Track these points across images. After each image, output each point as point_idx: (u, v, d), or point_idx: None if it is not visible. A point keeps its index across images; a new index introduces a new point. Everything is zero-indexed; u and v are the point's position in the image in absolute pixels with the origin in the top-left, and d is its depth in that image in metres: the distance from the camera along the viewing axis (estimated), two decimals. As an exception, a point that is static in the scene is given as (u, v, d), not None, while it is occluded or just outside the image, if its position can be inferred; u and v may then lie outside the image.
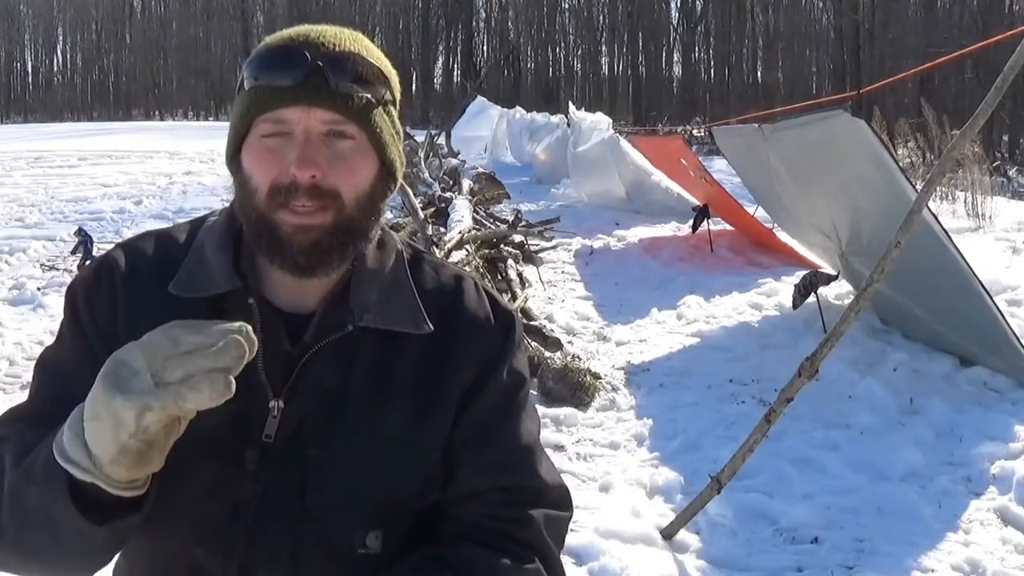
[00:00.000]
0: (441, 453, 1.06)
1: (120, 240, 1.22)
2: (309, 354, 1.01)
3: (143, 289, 1.04)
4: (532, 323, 5.33)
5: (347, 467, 1.01)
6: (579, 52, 40.89)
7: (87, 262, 6.40)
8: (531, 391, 4.73)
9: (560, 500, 1.10)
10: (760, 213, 8.06)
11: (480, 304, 1.11)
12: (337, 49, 0.99)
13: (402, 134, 1.07)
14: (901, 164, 4.37)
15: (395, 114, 1.05)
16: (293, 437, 1.00)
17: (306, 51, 0.97)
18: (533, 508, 1.06)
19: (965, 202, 9.17)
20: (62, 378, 1.03)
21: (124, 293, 1.04)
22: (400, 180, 1.07)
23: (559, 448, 3.90)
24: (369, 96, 0.99)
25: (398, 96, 1.06)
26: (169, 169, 15.21)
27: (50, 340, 1.11)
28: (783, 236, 7.72)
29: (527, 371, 1.14)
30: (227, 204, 1.10)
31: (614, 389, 4.62)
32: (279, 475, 1.00)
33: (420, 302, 1.07)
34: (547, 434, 4.00)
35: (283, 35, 1.02)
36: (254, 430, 1.00)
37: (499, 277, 6.43)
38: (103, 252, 1.15)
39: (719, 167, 10.04)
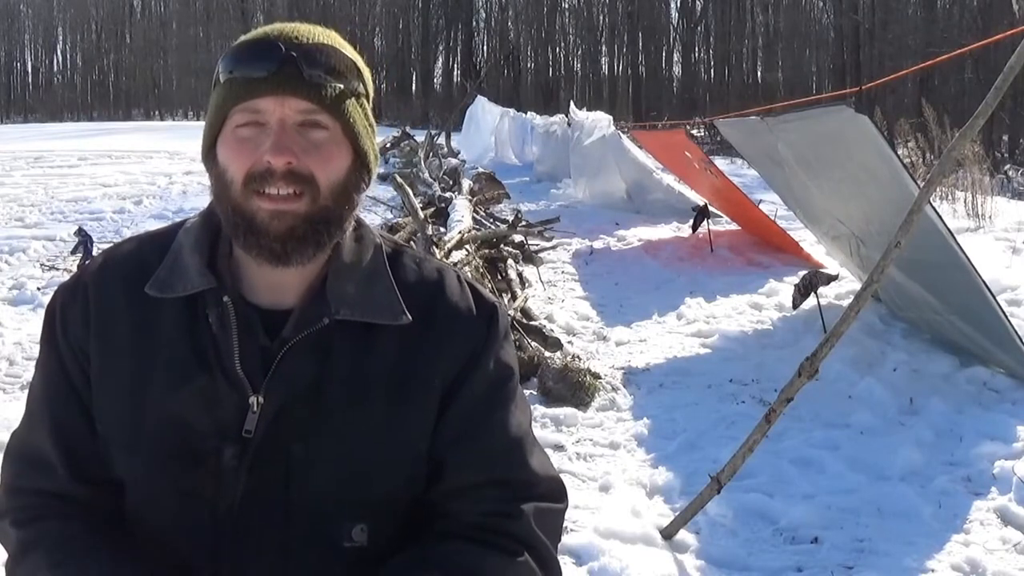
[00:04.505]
0: (427, 447, 1.05)
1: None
2: (286, 348, 1.01)
3: (115, 290, 1.06)
4: (532, 323, 5.32)
5: (329, 460, 1.01)
6: (579, 52, 40.91)
7: (87, 262, 6.40)
8: (531, 391, 4.72)
9: (552, 492, 1.09)
10: (765, 207, 8.03)
11: (462, 296, 1.11)
12: (310, 41, 1.00)
13: (375, 128, 1.08)
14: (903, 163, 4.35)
15: (368, 107, 1.06)
16: (273, 432, 1.01)
17: (279, 43, 0.99)
18: (523, 501, 1.05)
19: (965, 202, 9.16)
20: (50, 407, 1.06)
21: (96, 298, 1.06)
22: (374, 173, 1.08)
23: (559, 448, 3.90)
24: (342, 87, 1.01)
25: (371, 91, 1.08)
26: (169, 169, 15.17)
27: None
28: (788, 228, 7.69)
29: (515, 362, 1.13)
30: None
31: (614, 389, 4.61)
32: (261, 470, 1.00)
33: (399, 294, 1.07)
34: (547, 434, 4.00)
35: (257, 31, 1.04)
36: (233, 426, 1.00)
37: (499, 277, 6.43)
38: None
39: (719, 165, 10.02)
